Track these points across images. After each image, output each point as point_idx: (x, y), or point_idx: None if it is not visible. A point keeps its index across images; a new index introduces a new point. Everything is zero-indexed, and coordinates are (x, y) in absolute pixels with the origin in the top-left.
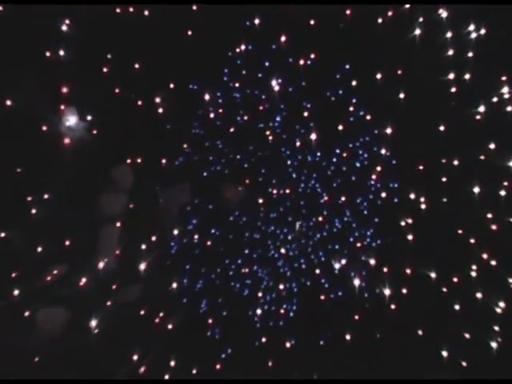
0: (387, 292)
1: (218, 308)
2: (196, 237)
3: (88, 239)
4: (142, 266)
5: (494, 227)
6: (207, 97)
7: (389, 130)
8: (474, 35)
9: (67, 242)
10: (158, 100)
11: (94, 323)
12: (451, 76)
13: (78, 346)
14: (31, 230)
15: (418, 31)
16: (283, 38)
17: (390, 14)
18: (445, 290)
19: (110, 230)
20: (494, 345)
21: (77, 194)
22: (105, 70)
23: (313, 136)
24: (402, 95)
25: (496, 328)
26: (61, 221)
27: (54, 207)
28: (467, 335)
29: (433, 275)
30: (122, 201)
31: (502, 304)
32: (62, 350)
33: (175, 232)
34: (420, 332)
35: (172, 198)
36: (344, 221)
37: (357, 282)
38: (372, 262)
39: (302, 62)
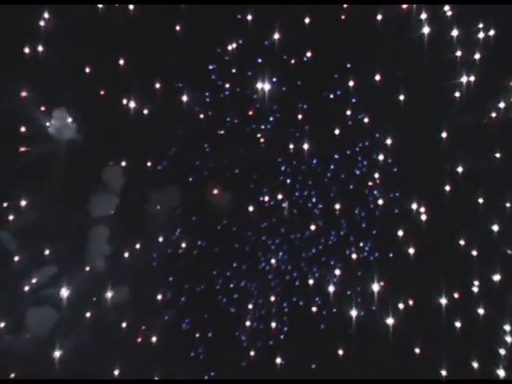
0: (390, 321)
1: (202, 325)
2: (183, 246)
3: (77, 241)
4: (109, 294)
5: (498, 240)
6: (194, 97)
7: (389, 135)
8: (481, 35)
9: (56, 244)
10: (143, 100)
11: (57, 354)
12: (456, 79)
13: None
14: (20, 231)
15: (421, 30)
16: (277, 35)
17: (392, 11)
18: (445, 305)
19: (98, 232)
20: (501, 373)
21: (66, 195)
22: (87, 70)
23: (308, 140)
24: (402, 97)
25: (502, 351)
26: (50, 222)
27: (44, 209)
28: (468, 354)
29: (433, 290)
30: (111, 203)
31: (507, 326)
32: (51, 352)
33: (160, 239)
34: (417, 350)
35: (160, 201)
36: (340, 233)
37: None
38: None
39: (297, 59)
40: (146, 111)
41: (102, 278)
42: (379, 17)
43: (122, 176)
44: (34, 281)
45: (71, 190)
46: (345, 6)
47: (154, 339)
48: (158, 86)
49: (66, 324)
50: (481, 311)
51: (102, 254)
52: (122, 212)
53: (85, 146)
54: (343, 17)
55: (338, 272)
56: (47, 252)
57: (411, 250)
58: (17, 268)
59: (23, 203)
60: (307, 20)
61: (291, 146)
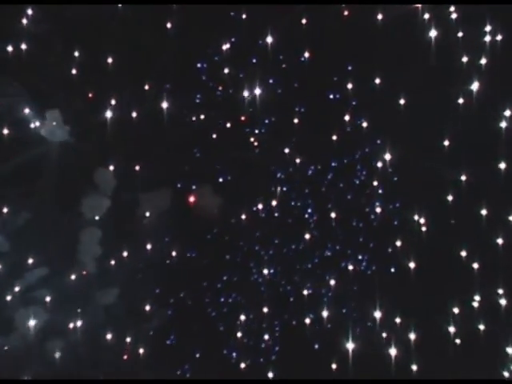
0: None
1: (190, 340)
2: (170, 256)
3: (68, 242)
4: (79, 323)
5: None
6: (185, 99)
7: (390, 142)
8: (488, 38)
9: (47, 246)
10: (134, 102)
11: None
12: (461, 84)
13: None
14: (12, 232)
15: (425, 31)
16: (273, 34)
17: (394, 11)
18: (445, 321)
19: (89, 234)
20: None
21: (58, 197)
22: (79, 71)
23: (305, 146)
24: (404, 101)
25: (506, 374)
26: (42, 224)
27: (36, 210)
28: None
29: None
30: (103, 205)
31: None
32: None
33: (148, 247)
34: (414, 367)
35: (149, 207)
36: (336, 245)
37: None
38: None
39: (294, 60)
40: (134, 114)
41: (92, 281)
42: (380, 16)
43: (114, 178)
44: (23, 282)
45: (63, 191)
46: (344, 5)
47: (138, 353)
48: (147, 87)
49: (54, 326)
50: (482, 327)
51: (92, 257)
52: (114, 215)
53: (77, 148)
54: (343, 16)
55: (333, 286)
56: (38, 253)
57: (411, 264)
58: (6, 269)
59: (16, 205)
60: (305, 19)
61: (287, 152)
